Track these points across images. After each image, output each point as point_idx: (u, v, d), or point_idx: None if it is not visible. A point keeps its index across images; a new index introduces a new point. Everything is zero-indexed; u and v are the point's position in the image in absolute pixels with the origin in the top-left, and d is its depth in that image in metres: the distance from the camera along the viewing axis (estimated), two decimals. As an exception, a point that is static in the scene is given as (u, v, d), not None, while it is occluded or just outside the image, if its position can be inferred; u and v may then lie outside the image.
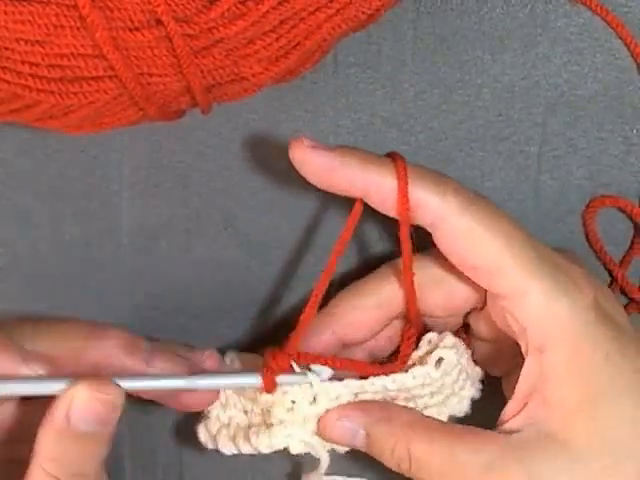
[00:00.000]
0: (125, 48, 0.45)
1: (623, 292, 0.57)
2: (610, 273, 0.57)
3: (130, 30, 0.45)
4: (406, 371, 0.51)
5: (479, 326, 0.52)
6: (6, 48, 0.45)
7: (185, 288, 0.57)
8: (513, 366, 0.51)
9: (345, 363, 0.51)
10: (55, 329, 0.50)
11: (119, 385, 0.46)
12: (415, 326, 0.52)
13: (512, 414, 0.48)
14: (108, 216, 0.57)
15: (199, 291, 0.57)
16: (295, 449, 0.51)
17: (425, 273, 0.51)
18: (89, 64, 0.45)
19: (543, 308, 0.47)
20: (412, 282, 0.50)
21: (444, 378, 0.51)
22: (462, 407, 0.53)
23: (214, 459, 0.56)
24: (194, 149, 0.56)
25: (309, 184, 0.55)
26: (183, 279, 0.57)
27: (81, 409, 0.45)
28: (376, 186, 0.48)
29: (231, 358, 0.54)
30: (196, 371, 0.51)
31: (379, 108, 0.56)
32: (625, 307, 0.57)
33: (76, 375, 0.46)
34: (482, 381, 0.54)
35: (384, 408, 0.50)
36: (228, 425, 0.53)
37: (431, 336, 0.52)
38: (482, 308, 0.51)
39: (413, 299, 0.51)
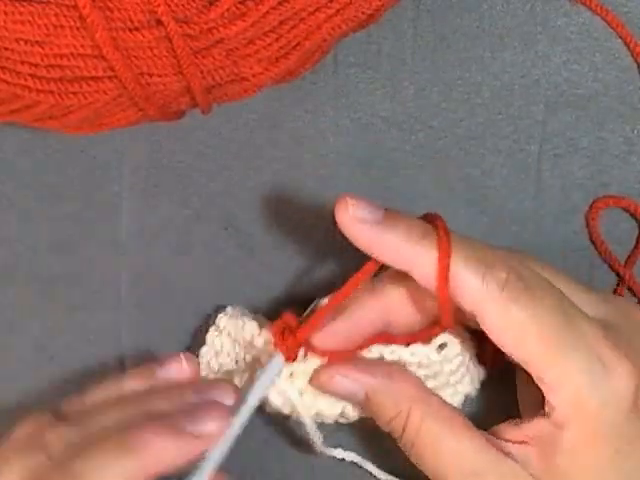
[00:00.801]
0: (125, 48, 0.45)
1: (631, 292, 0.57)
2: (617, 273, 0.57)
3: (130, 30, 0.45)
4: (407, 345, 0.51)
5: None
6: (6, 48, 0.45)
7: (185, 288, 0.57)
8: None
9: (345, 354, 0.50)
10: (99, 472, 0.46)
11: None
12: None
13: (509, 438, 0.48)
14: (108, 216, 0.57)
15: (199, 291, 0.57)
16: (274, 400, 0.51)
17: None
18: (89, 64, 0.45)
19: (574, 398, 0.46)
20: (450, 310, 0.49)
21: (443, 365, 0.51)
22: (454, 401, 0.52)
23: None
24: (194, 149, 0.56)
25: (309, 184, 0.56)
26: (183, 279, 0.57)
27: None
28: (419, 264, 0.47)
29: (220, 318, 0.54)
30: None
31: (379, 107, 0.56)
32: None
33: None
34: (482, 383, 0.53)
35: (388, 375, 0.49)
36: (217, 372, 0.53)
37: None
38: None
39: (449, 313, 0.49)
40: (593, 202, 0.56)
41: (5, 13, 0.44)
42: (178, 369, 0.50)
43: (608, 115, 0.56)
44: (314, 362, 0.50)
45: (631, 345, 0.48)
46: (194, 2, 0.44)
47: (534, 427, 0.48)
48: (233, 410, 0.48)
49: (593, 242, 0.56)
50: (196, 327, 0.57)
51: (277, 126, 0.56)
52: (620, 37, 0.55)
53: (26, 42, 0.45)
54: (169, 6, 0.44)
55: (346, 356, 0.50)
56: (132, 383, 0.50)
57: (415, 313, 0.50)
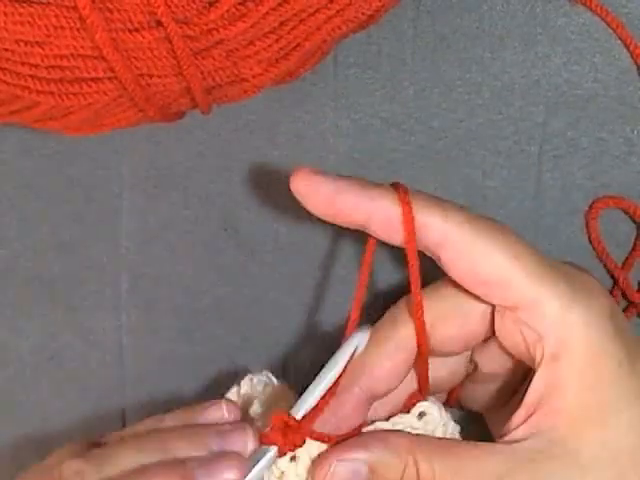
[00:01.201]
0: (125, 49, 0.45)
1: (624, 295, 0.57)
2: (612, 276, 0.57)
3: (130, 31, 0.44)
4: (387, 419, 0.50)
5: (485, 359, 0.51)
6: (6, 49, 0.45)
7: (184, 289, 0.57)
8: (505, 402, 0.52)
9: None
10: None
11: None
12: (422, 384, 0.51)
13: (518, 424, 0.47)
14: (108, 217, 0.57)
15: (198, 292, 0.57)
16: None
17: (436, 306, 0.49)
18: (89, 65, 0.45)
19: (559, 315, 0.46)
20: (422, 320, 0.49)
21: (426, 433, 0.50)
22: None
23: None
24: (194, 150, 0.56)
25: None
26: (182, 280, 0.57)
27: None
28: (380, 212, 0.47)
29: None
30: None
31: (379, 108, 0.56)
32: (624, 310, 0.57)
33: None
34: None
35: (381, 437, 0.48)
36: None
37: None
38: (489, 338, 0.51)
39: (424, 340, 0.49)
40: (593, 202, 0.56)
41: (5, 14, 0.44)
42: (218, 417, 0.49)
43: (608, 116, 0.56)
44: (303, 462, 0.49)
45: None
46: (194, 3, 0.44)
47: (533, 390, 0.47)
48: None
49: (591, 243, 0.56)
50: (196, 327, 0.57)
51: (277, 127, 0.56)
52: (620, 38, 0.55)
53: (26, 43, 0.45)
54: (169, 7, 0.44)
55: (347, 436, 0.49)
56: (171, 424, 0.49)
57: (396, 380, 0.50)
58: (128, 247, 0.57)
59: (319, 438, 0.48)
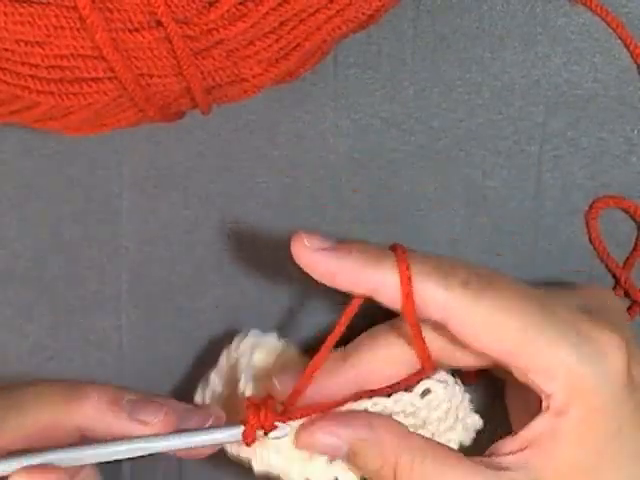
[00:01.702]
0: (125, 49, 0.45)
1: (627, 295, 0.57)
2: (613, 275, 0.57)
3: (130, 31, 0.44)
4: (389, 396, 0.49)
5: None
6: (6, 49, 0.45)
7: (185, 289, 0.57)
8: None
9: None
10: (31, 400, 0.48)
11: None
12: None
13: (508, 451, 0.47)
14: (108, 217, 0.57)
15: (198, 292, 0.57)
16: (257, 466, 0.50)
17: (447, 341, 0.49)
18: (89, 65, 0.45)
19: (568, 379, 0.46)
20: (429, 360, 0.49)
21: (430, 412, 0.50)
22: None
23: (214, 466, 0.56)
24: (194, 150, 0.56)
25: (309, 185, 0.56)
26: (182, 281, 0.57)
27: None
28: (380, 286, 0.47)
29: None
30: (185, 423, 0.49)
31: (379, 108, 0.56)
32: (628, 309, 0.57)
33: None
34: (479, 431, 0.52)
35: (369, 425, 0.48)
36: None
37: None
38: None
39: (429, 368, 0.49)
40: (593, 202, 0.56)
41: (5, 14, 0.44)
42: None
43: (608, 116, 0.56)
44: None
45: (610, 321, 0.47)
46: (194, 3, 0.44)
47: (532, 429, 0.47)
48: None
49: (592, 243, 0.56)
50: (196, 327, 0.57)
51: (277, 127, 0.56)
52: (620, 38, 0.55)
53: (26, 43, 0.45)
54: (169, 7, 0.44)
55: (326, 410, 0.49)
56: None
57: (391, 377, 0.50)
58: (128, 247, 0.57)
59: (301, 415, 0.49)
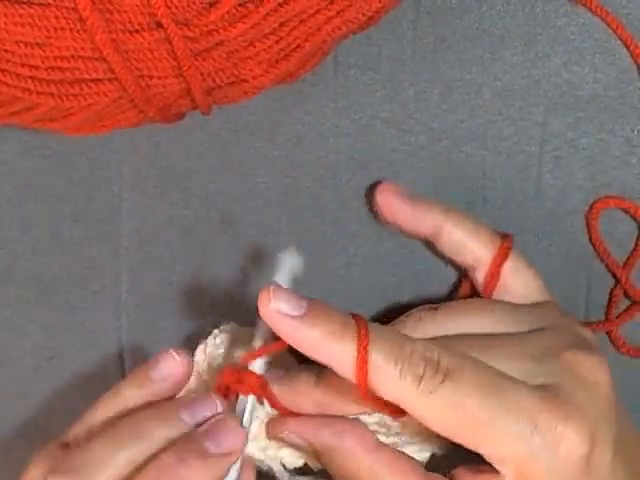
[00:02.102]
0: (125, 50, 0.45)
1: (627, 295, 0.57)
2: (614, 275, 0.57)
3: (130, 32, 0.45)
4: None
5: None
6: (6, 50, 0.45)
7: (184, 289, 0.57)
8: None
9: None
10: None
11: None
12: None
13: None
14: (108, 217, 0.57)
15: (198, 292, 0.57)
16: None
17: None
18: (89, 66, 0.45)
19: (519, 469, 0.46)
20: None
21: (404, 426, 0.50)
22: (420, 457, 0.51)
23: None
24: (194, 150, 0.56)
25: (309, 185, 0.56)
26: (182, 280, 0.57)
27: None
28: (339, 364, 0.46)
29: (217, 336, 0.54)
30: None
31: (379, 109, 0.56)
32: (628, 309, 0.57)
33: None
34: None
35: (339, 433, 0.49)
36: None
37: None
38: None
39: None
40: (593, 203, 0.56)
41: (5, 15, 0.44)
42: (171, 367, 0.50)
43: (608, 116, 0.56)
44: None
45: (574, 404, 0.46)
46: (194, 4, 0.44)
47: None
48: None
49: (592, 243, 0.56)
50: (196, 328, 0.58)
51: (277, 127, 0.56)
52: (620, 39, 0.55)
53: (26, 44, 0.45)
54: (169, 8, 0.44)
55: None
56: (130, 394, 0.49)
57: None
58: (128, 247, 0.57)
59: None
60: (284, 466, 0.52)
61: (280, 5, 0.45)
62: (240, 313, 0.57)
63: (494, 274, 0.52)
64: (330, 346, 0.46)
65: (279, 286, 0.47)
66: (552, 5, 0.55)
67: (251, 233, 0.57)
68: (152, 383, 0.49)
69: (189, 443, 0.47)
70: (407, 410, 0.46)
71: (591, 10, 0.55)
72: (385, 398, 0.46)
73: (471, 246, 0.53)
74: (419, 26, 0.55)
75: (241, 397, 0.49)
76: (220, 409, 0.49)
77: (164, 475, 0.45)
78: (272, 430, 0.50)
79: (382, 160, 0.56)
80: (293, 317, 0.46)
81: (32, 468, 0.48)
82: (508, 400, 0.46)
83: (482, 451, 0.46)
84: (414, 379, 0.45)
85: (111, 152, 0.56)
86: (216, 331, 0.53)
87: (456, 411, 0.45)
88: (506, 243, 0.53)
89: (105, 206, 0.57)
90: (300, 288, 0.57)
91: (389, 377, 0.46)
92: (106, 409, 0.49)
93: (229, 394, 0.49)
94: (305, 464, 0.52)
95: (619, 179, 0.56)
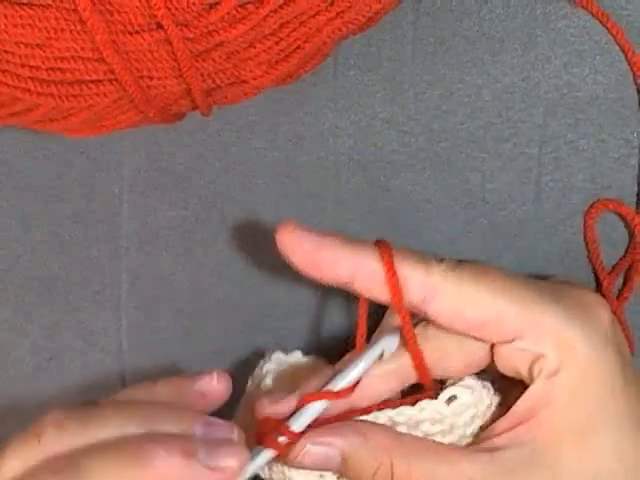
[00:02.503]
0: (125, 51, 0.45)
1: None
2: (596, 279, 0.57)
3: (130, 33, 0.45)
4: (413, 404, 0.49)
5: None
6: (6, 51, 0.45)
7: (184, 290, 0.57)
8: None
9: None
10: (101, 475, 0.45)
11: None
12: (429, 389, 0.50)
13: (500, 431, 0.48)
14: (108, 218, 0.57)
15: (198, 293, 0.57)
16: None
17: (439, 343, 0.50)
18: (89, 67, 0.45)
19: (557, 337, 0.47)
20: (422, 362, 0.49)
21: (456, 418, 0.49)
22: None
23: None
24: (194, 151, 0.56)
25: (309, 185, 0.56)
26: (182, 281, 0.57)
27: None
28: (362, 269, 0.47)
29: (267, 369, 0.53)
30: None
31: (379, 110, 0.56)
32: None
33: None
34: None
35: (359, 429, 0.48)
36: None
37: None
38: None
39: (425, 372, 0.49)
40: (593, 204, 0.56)
41: (5, 16, 0.44)
42: (209, 384, 0.49)
43: (608, 118, 0.56)
44: None
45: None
46: (194, 5, 0.44)
47: (524, 402, 0.48)
48: None
49: (587, 244, 0.56)
50: (196, 328, 0.58)
51: (277, 128, 0.56)
52: (619, 45, 0.55)
53: (26, 45, 0.45)
54: (169, 9, 0.44)
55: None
56: (162, 391, 0.49)
57: (379, 396, 0.50)
58: (128, 247, 0.57)
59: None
60: None
61: (280, 6, 0.45)
62: (240, 314, 0.58)
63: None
64: (353, 258, 0.47)
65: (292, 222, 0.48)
66: (552, 7, 0.55)
67: (251, 235, 0.57)
68: (186, 393, 0.49)
69: (183, 439, 0.46)
70: (435, 299, 0.47)
71: (592, 14, 0.55)
72: (412, 298, 0.47)
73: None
74: (419, 27, 0.55)
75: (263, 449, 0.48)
76: (235, 437, 0.47)
77: (139, 449, 0.45)
78: (294, 452, 0.48)
79: (382, 161, 0.56)
80: (313, 237, 0.47)
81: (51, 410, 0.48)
82: (534, 282, 0.48)
83: (517, 330, 0.47)
84: (438, 262, 0.47)
85: (111, 153, 0.56)
86: (262, 362, 0.53)
87: (486, 286, 0.47)
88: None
89: (105, 206, 0.57)
90: (300, 287, 0.57)
91: (416, 273, 0.47)
92: (134, 392, 0.49)
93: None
94: None
95: (619, 181, 0.56)
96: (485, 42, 0.55)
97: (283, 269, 0.56)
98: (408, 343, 0.49)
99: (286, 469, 0.49)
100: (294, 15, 0.46)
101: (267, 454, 0.48)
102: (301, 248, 0.47)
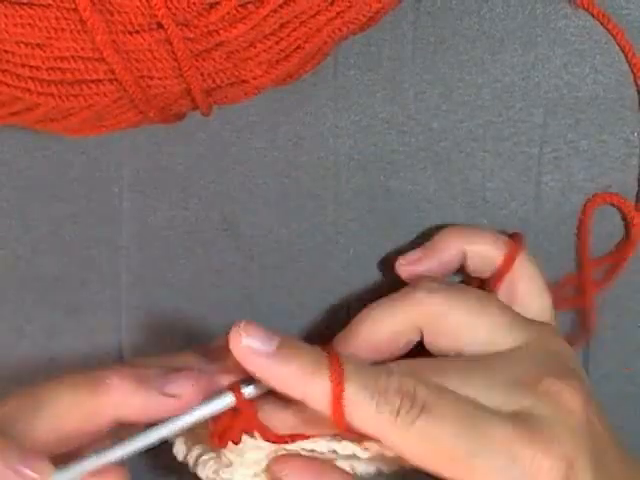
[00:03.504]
0: (125, 51, 0.45)
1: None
2: (580, 266, 0.57)
3: (130, 33, 0.44)
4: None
5: None
6: (6, 51, 0.45)
7: (184, 290, 0.57)
8: None
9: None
10: (56, 397, 0.46)
11: None
12: None
13: None
14: (108, 217, 0.57)
15: (198, 293, 0.57)
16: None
17: None
18: (89, 67, 0.45)
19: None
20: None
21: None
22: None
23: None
24: (194, 151, 0.56)
25: (310, 185, 0.56)
26: (182, 281, 0.57)
27: None
28: (314, 400, 0.46)
29: None
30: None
31: (379, 109, 0.56)
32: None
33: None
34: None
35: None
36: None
37: None
38: None
39: None
40: (593, 196, 0.56)
41: (5, 16, 0.44)
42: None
43: (608, 118, 0.56)
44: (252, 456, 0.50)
45: (551, 433, 0.46)
46: (194, 5, 0.44)
47: None
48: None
49: (579, 234, 0.56)
50: (196, 328, 0.58)
51: (277, 128, 0.56)
52: (619, 45, 0.55)
53: (27, 45, 0.45)
54: (169, 9, 0.44)
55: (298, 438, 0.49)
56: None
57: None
58: (128, 247, 0.57)
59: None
60: None
61: (280, 6, 0.45)
62: (240, 314, 0.58)
63: (503, 270, 0.52)
64: (304, 384, 0.46)
65: (251, 322, 0.47)
66: (552, 7, 0.55)
67: (251, 233, 0.57)
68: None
69: (138, 369, 0.47)
70: (385, 444, 0.46)
71: (592, 14, 0.55)
72: (363, 432, 0.46)
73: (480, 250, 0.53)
74: (419, 27, 0.55)
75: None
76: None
77: (98, 378, 0.46)
78: (275, 468, 0.50)
79: (382, 160, 0.56)
80: (265, 354, 0.46)
81: None
82: (485, 434, 0.45)
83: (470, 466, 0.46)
84: (391, 413, 0.45)
85: (111, 153, 0.56)
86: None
87: (434, 445, 0.45)
88: (516, 240, 0.52)
89: (105, 206, 0.57)
90: (300, 287, 0.57)
91: (366, 412, 0.46)
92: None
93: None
94: None
95: (619, 181, 0.56)
96: (485, 42, 0.55)
97: (283, 269, 0.57)
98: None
99: (221, 470, 0.50)
100: (294, 15, 0.46)
101: (227, 399, 0.48)
102: (255, 368, 0.47)
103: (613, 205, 0.57)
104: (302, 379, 0.46)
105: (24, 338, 0.58)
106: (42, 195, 0.57)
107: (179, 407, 0.47)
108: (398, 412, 0.45)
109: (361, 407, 0.46)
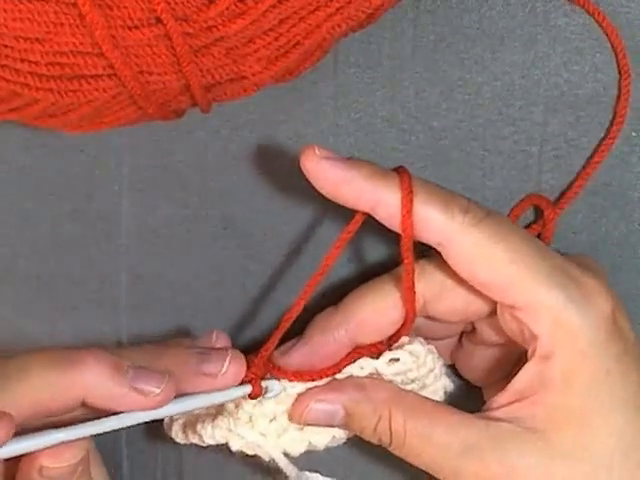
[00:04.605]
0: (124, 46, 0.45)
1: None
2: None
3: (129, 28, 0.45)
4: (377, 357, 0.51)
5: (486, 330, 0.52)
6: (5, 46, 0.45)
7: (184, 288, 0.57)
8: (504, 375, 0.52)
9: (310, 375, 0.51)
10: (26, 370, 0.46)
11: None
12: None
13: (499, 405, 0.48)
14: (108, 216, 0.57)
15: (198, 291, 0.57)
16: (234, 445, 0.51)
17: (439, 278, 0.50)
18: (88, 62, 0.45)
19: (554, 319, 0.47)
20: (413, 300, 0.50)
21: (393, 378, 0.51)
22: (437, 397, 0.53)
23: (214, 460, 0.57)
24: (194, 149, 0.56)
25: (310, 185, 0.55)
26: (182, 279, 0.57)
27: None
28: (383, 201, 0.48)
29: None
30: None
31: (379, 108, 0.56)
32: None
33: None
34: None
35: (360, 385, 0.50)
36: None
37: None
38: (492, 314, 0.51)
39: (412, 313, 0.50)
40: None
41: (5, 11, 0.44)
42: (209, 343, 0.51)
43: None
44: (269, 406, 0.51)
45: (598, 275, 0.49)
46: (194, 0, 0.44)
47: (520, 379, 0.48)
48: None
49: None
50: (196, 327, 0.57)
51: (276, 126, 0.56)
52: (612, 45, 0.55)
53: (26, 40, 0.45)
54: (169, 4, 0.44)
55: (317, 376, 0.51)
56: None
57: (381, 330, 0.51)
58: (128, 247, 0.57)
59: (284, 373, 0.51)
60: (286, 455, 0.52)
61: (280, 2, 0.45)
62: (241, 313, 0.58)
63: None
64: (373, 187, 0.48)
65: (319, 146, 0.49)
66: (552, 5, 0.55)
67: (251, 233, 0.57)
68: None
69: (116, 357, 0.47)
70: (450, 247, 0.47)
71: (587, 12, 0.55)
72: (429, 239, 0.48)
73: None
74: (419, 25, 0.55)
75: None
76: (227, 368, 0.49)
77: (70, 354, 0.46)
78: (298, 409, 0.51)
79: (382, 159, 0.56)
80: (336, 160, 0.48)
81: None
82: (544, 252, 0.48)
83: (517, 301, 0.47)
84: (460, 210, 0.47)
85: (111, 150, 0.56)
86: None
87: (498, 247, 0.47)
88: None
89: (105, 204, 0.57)
90: (300, 287, 0.57)
91: (434, 212, 0.47)
92: None
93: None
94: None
95: (619, 179, 0.56)
96: (485, 40, 0.55)
97: (283, 269, 0.57)
98: (404, 272, 0.49)
99: (232, 424, 0.51)
100: (294, 10, 0.46)
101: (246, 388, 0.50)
102: (324, 180, 0.48)
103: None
104: (372, 184, 0.48)
105: (24, 337, 0.58)
106: (42, 193, 0.57)
107: (145, 404, 0.47)
108: (467, 210, 0.47)
109: (431, 210, 0.47)
